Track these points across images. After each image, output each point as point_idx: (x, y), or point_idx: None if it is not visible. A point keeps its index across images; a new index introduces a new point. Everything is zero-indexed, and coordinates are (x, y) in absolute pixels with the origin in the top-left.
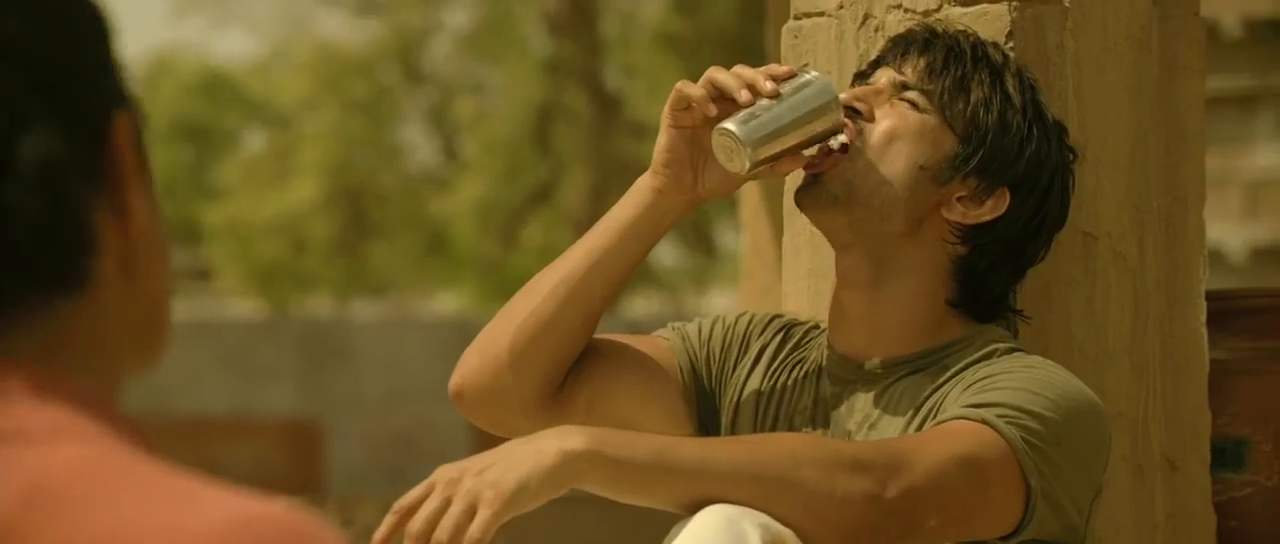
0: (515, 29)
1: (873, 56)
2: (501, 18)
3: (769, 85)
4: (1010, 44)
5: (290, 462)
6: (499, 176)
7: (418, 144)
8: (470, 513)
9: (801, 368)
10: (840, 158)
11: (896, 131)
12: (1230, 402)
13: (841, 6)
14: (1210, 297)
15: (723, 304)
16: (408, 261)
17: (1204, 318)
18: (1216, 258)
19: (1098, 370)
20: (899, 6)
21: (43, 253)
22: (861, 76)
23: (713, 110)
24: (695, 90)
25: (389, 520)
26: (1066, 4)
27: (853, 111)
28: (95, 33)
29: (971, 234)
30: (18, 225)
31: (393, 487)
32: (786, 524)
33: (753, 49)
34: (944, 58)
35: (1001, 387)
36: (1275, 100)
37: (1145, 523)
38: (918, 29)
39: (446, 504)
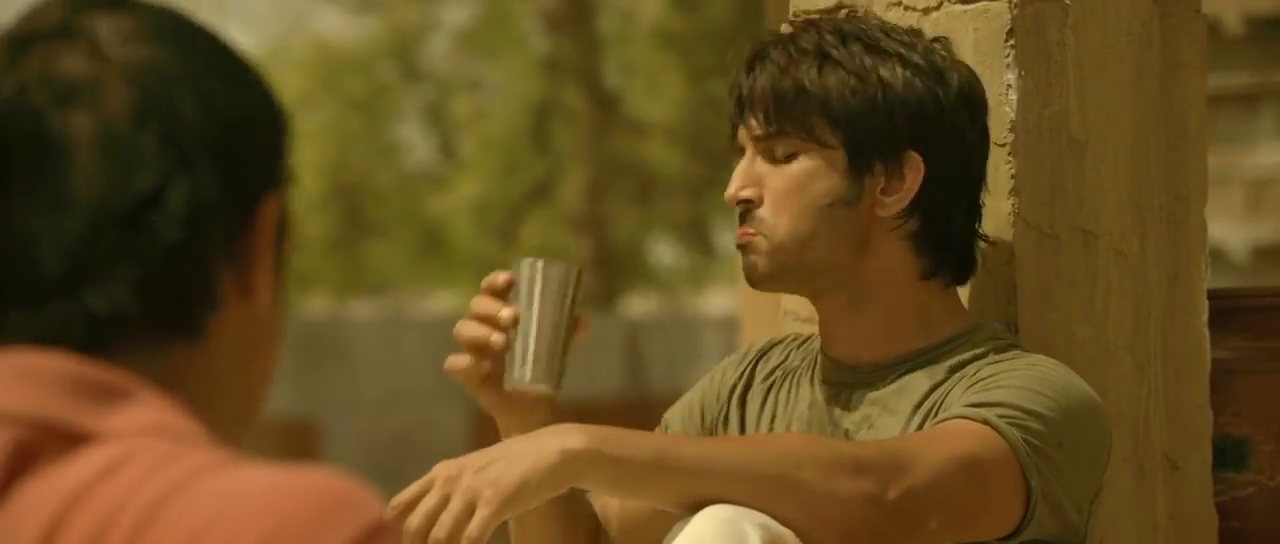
0: (513, 26)
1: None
2: (499, 15)
3: (506, 313)
4: (1011, 41)
5: (286, 460)
6: (497, 175)
7: (415, 142)
8: (469, 511)
9: (793, 376)
10: (750, 235)
11: (784, 195)
12: (1232, 401)
13: (840, 5)
14: (1212, 295)
15: (720, 303)
16: (404, 260)
17: (1206, 317)
18: (1218, 257)
19: (1099, 369)
20: (899, 4)
21: (165, 286)
22: (737, 151)
23: (488, 366)
24: (461, 362)
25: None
26: (1067, 1)
27: (746, 204)
28: (276, 117)
29: (911, 209)
30: (151, 254)
31: (390, 487)
32: (786, 525)
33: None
34: (769, 88)
35: (1002, 386)
36: (1277, 98)
37: (1146, 523)
38: (741, 78)
39: (445, 501)
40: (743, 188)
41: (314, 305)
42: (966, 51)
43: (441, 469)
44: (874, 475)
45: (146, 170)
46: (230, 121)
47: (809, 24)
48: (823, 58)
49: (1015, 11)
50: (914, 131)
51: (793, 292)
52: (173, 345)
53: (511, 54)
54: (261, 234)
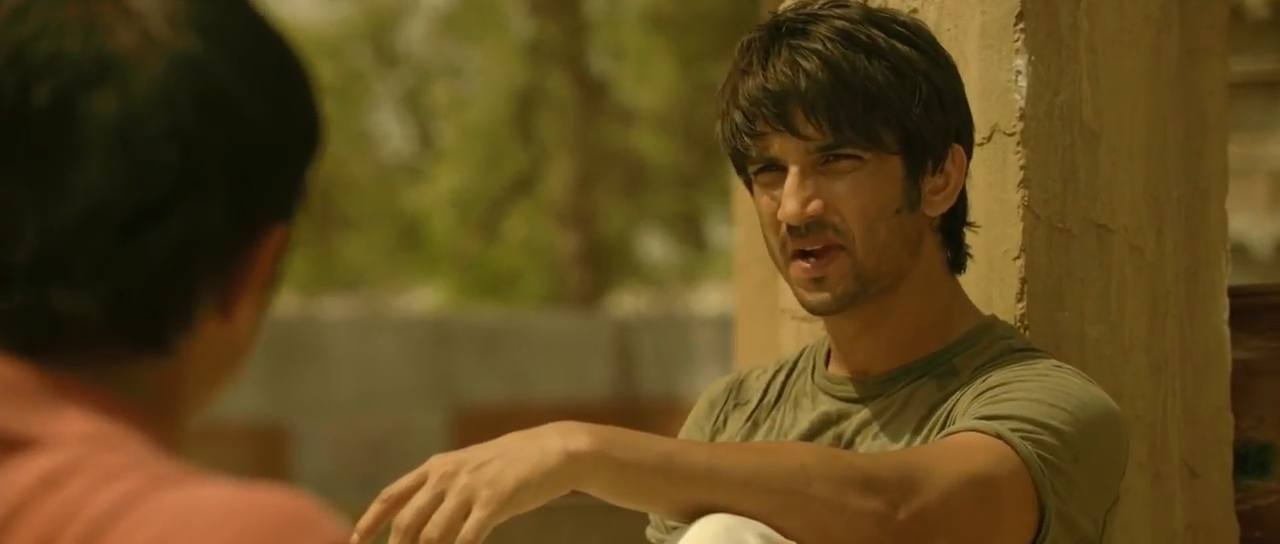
0: (495, 8)
1: (736, 130)
2: None
3: None
4: (1020, 25)
5: (255, 467)
6: (477, 165)
7: (391, 131)
8: (464, 511)
9: (786, 400)
10: (835, 255)
11: (860, 207)
12: (1254, 404)
13: None
14: (1233, 293)
15: (714, 301)
16: (380, 256)
17: (1227, 315)
18: (1240, 252)
19: (1113, 371)
20: None
21: (140, 304)
22: (767, 167)
23: None
24: None
25: (376, 508)
26: None
27: (814, 220)
28: (309, 141)
29: (952, 206)
30: (134, 271)
31: (364, 495)
32: (791, 538)
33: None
34: (829, 89)
35: (1015, 397)
36: None
37: (1163, 533)
38: (776, 76)
39: (439, 498)
40: (810, 201)
41: (284, 303)
42: (973, 35)
43: (437, 463)
44: (885, 494)
45: (159, 182)
46: (261, 145)
47: (814, 15)
48: (870, 52)
49: None
50: (958, 127)
51: (861, 307)
52: (136, 356)
53: (493, 38)
54: (259, 263)
